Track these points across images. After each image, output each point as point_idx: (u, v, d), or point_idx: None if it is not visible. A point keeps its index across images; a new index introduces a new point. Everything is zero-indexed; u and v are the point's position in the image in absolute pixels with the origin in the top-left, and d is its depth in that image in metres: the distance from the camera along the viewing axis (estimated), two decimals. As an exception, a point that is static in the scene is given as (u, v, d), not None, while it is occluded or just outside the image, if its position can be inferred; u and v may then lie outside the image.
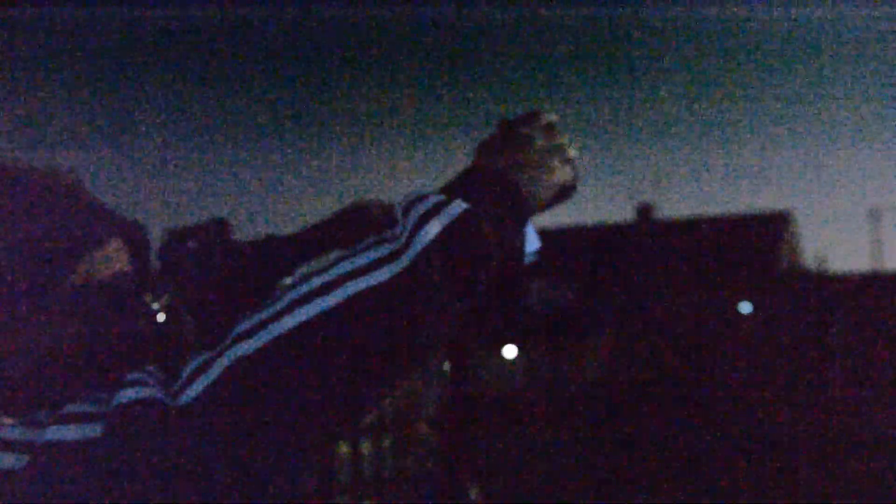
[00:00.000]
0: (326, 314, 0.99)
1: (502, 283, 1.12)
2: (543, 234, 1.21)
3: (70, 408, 0.99)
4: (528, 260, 1.17)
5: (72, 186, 1.10)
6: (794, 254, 31.96)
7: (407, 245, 1.02)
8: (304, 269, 1.06)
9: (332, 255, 1.07)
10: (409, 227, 1.03)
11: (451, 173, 1.16)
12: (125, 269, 1.11)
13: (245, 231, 1.23)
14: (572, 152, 1.17)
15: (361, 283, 1.00)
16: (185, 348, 1.13)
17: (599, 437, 12.60)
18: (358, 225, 1.20)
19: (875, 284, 21.65)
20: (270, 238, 1.21)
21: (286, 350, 0.98)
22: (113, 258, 1.10)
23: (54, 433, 0.97)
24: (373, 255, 1.02)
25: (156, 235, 1.17)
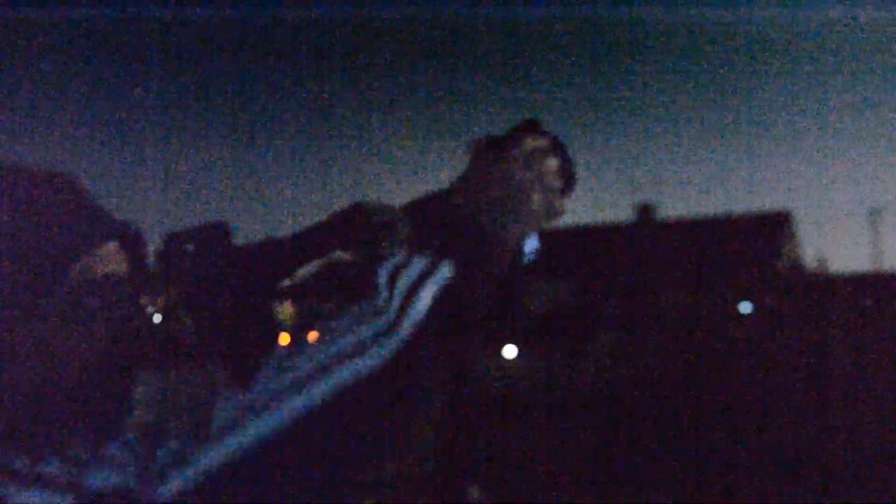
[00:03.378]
0: (320, 407, 0.94)
1: (501, 283, 1.11)
2: (543, 234, 1.19)
3: (104, 449, 0.98)
4: (527, 260, 1.17)
5: (68, 189, 1.10)
6: (794, 254, 31.96)
7: (398, 319, 0.98)
8: (288, 348, 1.01)
9: (318, 330, 1.02)
10: (397, 299, 0.99)
11: (450, 174, 1.14)
12: (120, 271, 1.10)
13: (245, 233, 1.22)
14: (554, 180, 1.09)
15: (358, 366, 0.96)
16: (183, 350, 1.13)
17: (599, 437, 12.60)
18: (358, 225, 1.19)
19: (875, 284, 21.66)
20: (270, 240, 1.20)
21: (276, 452, 0.93)
22: (108, 260, 1.09)
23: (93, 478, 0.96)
24: (364, 331, 0.98)
25: (155, 238, 1.17)
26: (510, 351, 22.80)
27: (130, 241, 1.13)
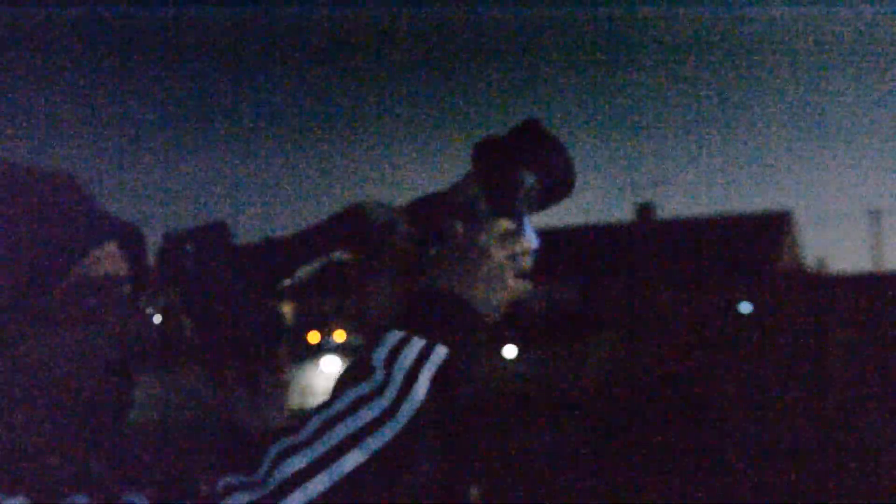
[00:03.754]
0: (329, 493, 0.96)
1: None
2: (543, 234, 1.19)
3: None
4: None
5: (68, 189, 1.10)
6: (794, 254, 31.94)
7: (397, 404, 1.01)
8: (288, 439, 1.01)
9: (316, 412, 1.02)
10: (397, 381, 1.02)
11: (449, 174, 1.14)
12: (119, 271, 1.10)
13: (245, 234, 1.22)
14: (527, 262, 1.14)
15: (363, 451, 0.98)
16: (183, 350, 1.13)
17: (599, 437, 12.60)
18: (358, 225, 1.19)
19: (875, 284, 21.65)
20: (270, 240, 1.20)
21: None
22: (107, 261, 1.09)
23: None
24: (365, 415, 1.00)
25: (155, 239, 1.17)
26: (510, 351, 22.80)
27: (130, 241, 1.13)
